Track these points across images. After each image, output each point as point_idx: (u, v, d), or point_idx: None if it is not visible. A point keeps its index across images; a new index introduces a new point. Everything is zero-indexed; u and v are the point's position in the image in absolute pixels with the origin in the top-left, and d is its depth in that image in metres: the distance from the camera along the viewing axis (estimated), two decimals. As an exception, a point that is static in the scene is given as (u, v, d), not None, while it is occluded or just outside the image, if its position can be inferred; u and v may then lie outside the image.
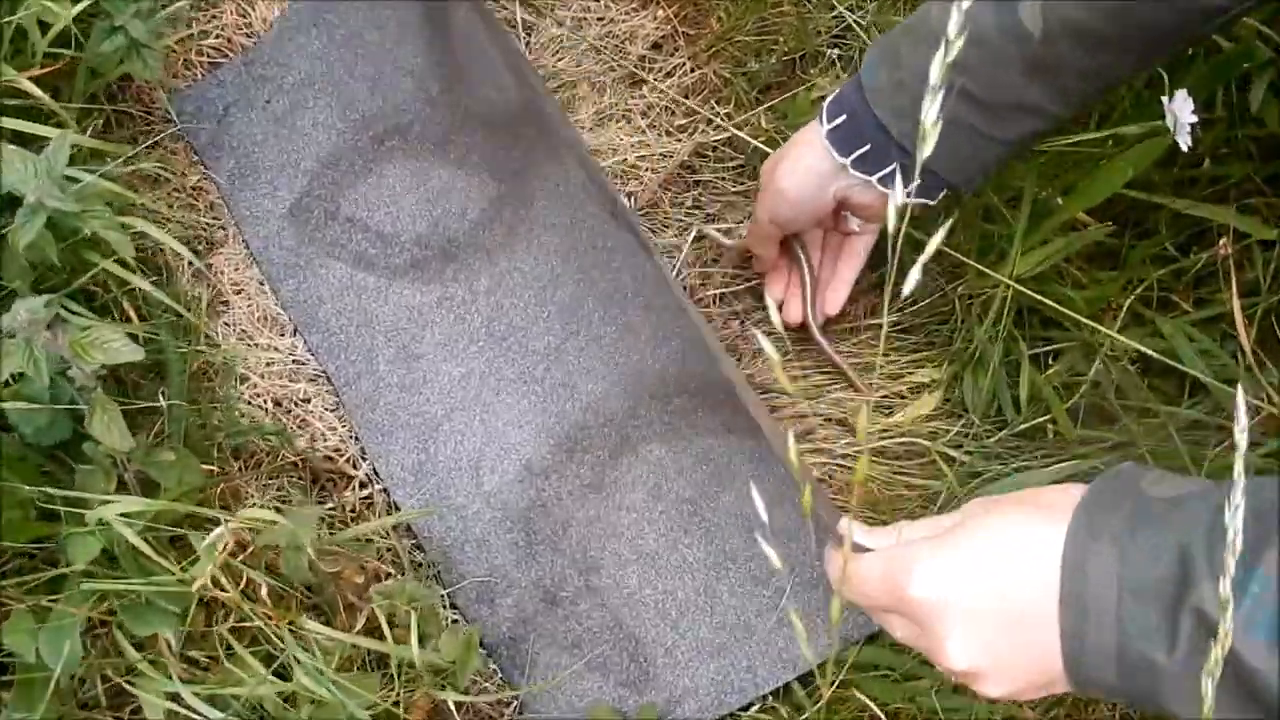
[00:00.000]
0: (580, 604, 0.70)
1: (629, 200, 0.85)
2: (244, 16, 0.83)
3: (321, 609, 0.67)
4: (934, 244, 0.35)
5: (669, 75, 0.88)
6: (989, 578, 0.44)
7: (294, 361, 0.76)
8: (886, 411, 0.80)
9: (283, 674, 0.61)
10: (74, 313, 0.63)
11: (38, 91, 0.68)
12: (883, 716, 0.66)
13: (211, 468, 0.69)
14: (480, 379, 0.74)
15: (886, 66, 0.65)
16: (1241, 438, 0.36)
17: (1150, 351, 0.74)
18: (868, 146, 0.67)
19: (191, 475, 0.65)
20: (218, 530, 0.59)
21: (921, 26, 0.64)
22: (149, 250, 0.74)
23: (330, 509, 0.72)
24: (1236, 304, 0.74)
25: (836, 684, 0.66)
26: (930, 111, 0.34)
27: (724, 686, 0.68)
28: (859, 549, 0.49)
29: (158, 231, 0.69)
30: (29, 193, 0.58)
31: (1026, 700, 0.48)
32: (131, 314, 0.69)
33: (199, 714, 0.59)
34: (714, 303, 0.85)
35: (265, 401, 0.75)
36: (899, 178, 0.37)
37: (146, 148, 0.77)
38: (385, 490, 0.73)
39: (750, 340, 0.83)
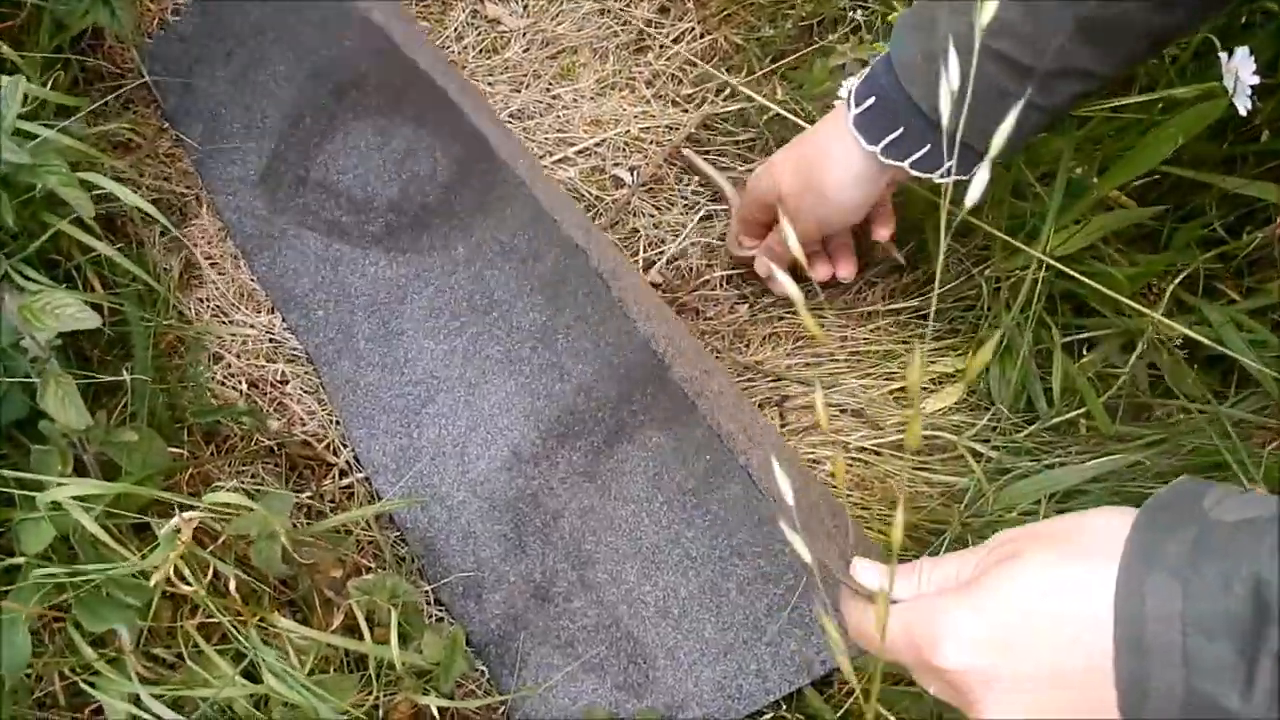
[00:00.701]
0: (574, 601, 0.65)
1: (631, 175, 0.80)
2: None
3: (296, 605, 0.63)
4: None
5: (676, 40, 0.83)
6: (1027, 640, 0.40)
7: (271, 340, 0.72)
8: (906, 402, 0.75)
9: (253, 674, 0.58)
10: (30, 279, 0.59)
11: (-3, 42, 0.64)
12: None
13: (180, 451, 0.65)
14: (464, 357, 0.71)
15: (921, 36, 0.61)
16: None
17: (1201, 338, 0.68)
18: (900, 130, 0.63)
19: (156, 457, 0.61)
20: (178, 516, 0.54)
21: None
22: (118, 219, 0.69)
23: (308, 497, 0.67)
24: (1290, 292, 0.69)
25: (861, 694, 0.61)
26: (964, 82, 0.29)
27: (730, 691, 0.63)
28: (872, 593, 0.45)
29: (124, 191, 0.65)
30: (-26, 143, 0.55)
31: None
32: (95, 284, 0.65)
33: (159, 718, 0.54)
34: (720, 285, 0.79)
35: (240, 382, 0.71)
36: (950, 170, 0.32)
37: (118, 106, 0.72)
38: (367, 479, 0.70)
39: (758, 325, 0.78)
